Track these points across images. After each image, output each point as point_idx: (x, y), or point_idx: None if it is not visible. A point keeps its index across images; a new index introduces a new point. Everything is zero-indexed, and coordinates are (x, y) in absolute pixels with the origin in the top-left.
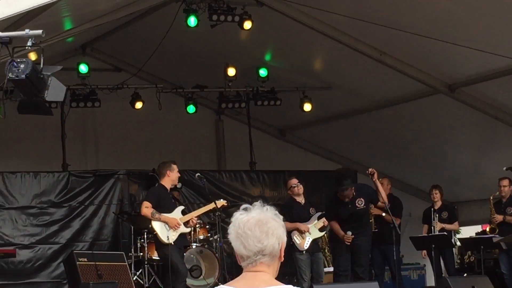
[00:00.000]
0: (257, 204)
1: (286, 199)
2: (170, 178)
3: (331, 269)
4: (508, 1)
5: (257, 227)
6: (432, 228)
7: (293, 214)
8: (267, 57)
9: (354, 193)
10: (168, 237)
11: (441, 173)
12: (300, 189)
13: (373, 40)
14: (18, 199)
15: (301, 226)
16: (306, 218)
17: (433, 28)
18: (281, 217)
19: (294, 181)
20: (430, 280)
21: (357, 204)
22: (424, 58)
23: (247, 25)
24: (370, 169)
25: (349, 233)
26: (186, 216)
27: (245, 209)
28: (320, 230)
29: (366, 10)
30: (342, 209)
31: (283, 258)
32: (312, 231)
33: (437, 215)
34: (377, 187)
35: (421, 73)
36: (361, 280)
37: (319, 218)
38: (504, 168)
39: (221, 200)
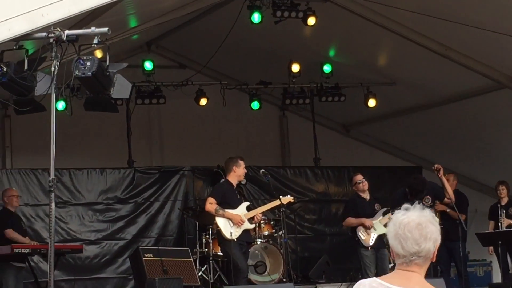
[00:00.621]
0: (417, 206)
1: (351, 195)
2: (237, 174)
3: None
4: None
5: (417, 230)
6: (500, 224)
7: (358, 210)
8: (331, 53)
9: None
10: (231, 233)
11: (507, 169)
12: (365, 185)
13: (438, 35)
14: (84, 195)
15: (366, 221)
16: (371, 214)
17: (498, 22)
18: (438, 220)
19: (359, 177)
20: (497, 276)
21: (424, 202)
22: (490, 53)
23: (311, 21)
24: (436, 165)
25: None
26: (250, 212)
27: (406, 209)
28: (385, 226)
29: (430, 5)
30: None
31: (434, 259)
32: (377, 227)
33: (504, 211)
34: (443, 183)
35: (487, 67)
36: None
37: (384, 214)
38: None
39: (288, 196)
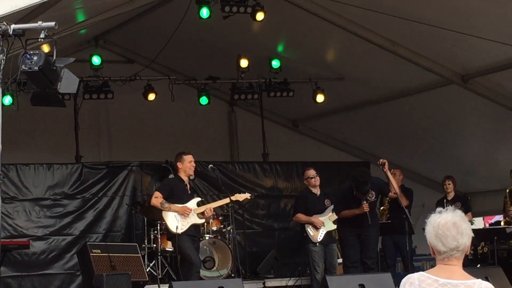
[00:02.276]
0: (450, 208)
1: (301, 190)
2: (183, 169)
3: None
4: None
5: (454, 228)
6: None
7: (308, 205)
8: (280, 48)
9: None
10: (177, 227)
11: (454, 164)
12: (317, 180)
13: (386, 31)
14: (31, 190)
15: (316, 221)
16: (321, 210)
17: (446, 18)
18: (467, 218)
19: (311, 172)
20: None
21: (367, 197)
22: (437, 49)
23: (260, 16)
24: (381, 160)
25: (364, 201)
26: (200, 207)
27: (440, 212)
28: (335, 222)
29: (378, 1)
30: (353, 203)
31: (469, 252)
32: (327, 223)
33: (450, 205)
34: (388, 178)
35: (434, 63)
36: (373, 271)
37: (334, 210)
38: None
39: (246, 193)
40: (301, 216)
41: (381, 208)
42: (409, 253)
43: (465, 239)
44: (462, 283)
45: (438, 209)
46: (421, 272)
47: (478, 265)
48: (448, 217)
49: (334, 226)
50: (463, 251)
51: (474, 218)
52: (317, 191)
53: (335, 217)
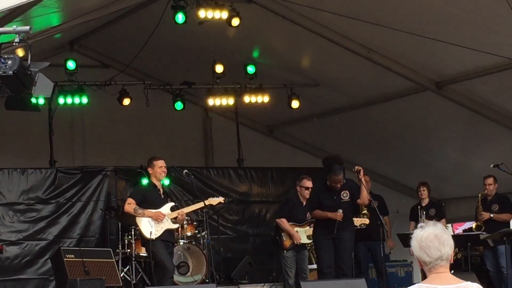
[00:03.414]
0: (430, 222)
1: (290, 195)
2: (153, 175)
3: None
4: None
5: (436, 239)
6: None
7: (292, 212)
8: (255, 54)
9: (344, 182)
10: (151, 232)
11: (428, 170)
12: (309, 194)
13: (360, 38)
14: (5, 195)
15: (296, 238)
16: (301, 220)
17: (421, 25)
18: (447, 229)
19: (309, 184)
20: (417, 277)
21: (342, 196)
22: (412, 56)
23: (235, 22)
24: (356, 167)
25: (340, 210)
26: (174, 212)
27: (421, 227)
28: (308, 237)
29: (353, 8)
30: (327, 200)
31: (453, 260)
32: (302, 237)
33: (424, 212)
34: (361, 185)
35: (409, 70)
36: (347, 277)
37: (309, 224)
38: (491, 166)
39: (219, 197)
40: (284, 224)
41: (362, 212)
42: (383, 259)
43: (447, 249)
44: (457, 286)
45: (420, 224)
46: (418, 284)
47: (452, 271)
48: (429, 230)
49: (308, 241)
50: (447, 259)
51: (448, 225)
52: (304, 201)
53: (310, 231)
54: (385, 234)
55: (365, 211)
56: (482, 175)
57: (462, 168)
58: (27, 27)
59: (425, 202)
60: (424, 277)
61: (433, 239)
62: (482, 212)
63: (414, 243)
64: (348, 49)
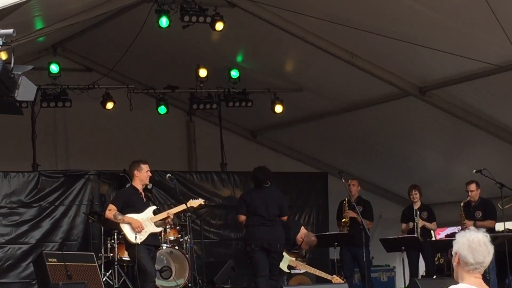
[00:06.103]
0: (473, 228)
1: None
2: (139, 178)
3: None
4: (478, 5)
5: (485, 246)
6: (415, 225)
7: None
8: (239, 59)
9: None
10: (135, 237)
11: (411, 175)
12: None
13: (344, 43)
14: None
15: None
16: None
17: (404, 31)
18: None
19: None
20: (400, 282)
21: None
22: (395, 61)
23: (219, 26)
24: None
25: None
26: (157, 216)
27: (470, 230)
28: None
29: (337, 13)
30: None
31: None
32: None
33: (417, 214)
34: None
35: (392, 75)
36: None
37: None
38: (474, 171)
39: (199, 199)
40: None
41: (343, 220)
42: (366, 264)
43: (490, 257)
44: None
45: (471, 227)
46: (461, 284)
47: (434, 276)
48: (480, 236)
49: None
50: (484, 268)
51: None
52: None
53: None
54: (368, 240)
55: (345, 219)
56: (465, 181)
57: (445, 173)
58: (11, 30)
59: (417, 205)
60: (407, 283)
61: (483, 244)
62: (465, 221)
63: (463, 240)
64: (331, 54)
